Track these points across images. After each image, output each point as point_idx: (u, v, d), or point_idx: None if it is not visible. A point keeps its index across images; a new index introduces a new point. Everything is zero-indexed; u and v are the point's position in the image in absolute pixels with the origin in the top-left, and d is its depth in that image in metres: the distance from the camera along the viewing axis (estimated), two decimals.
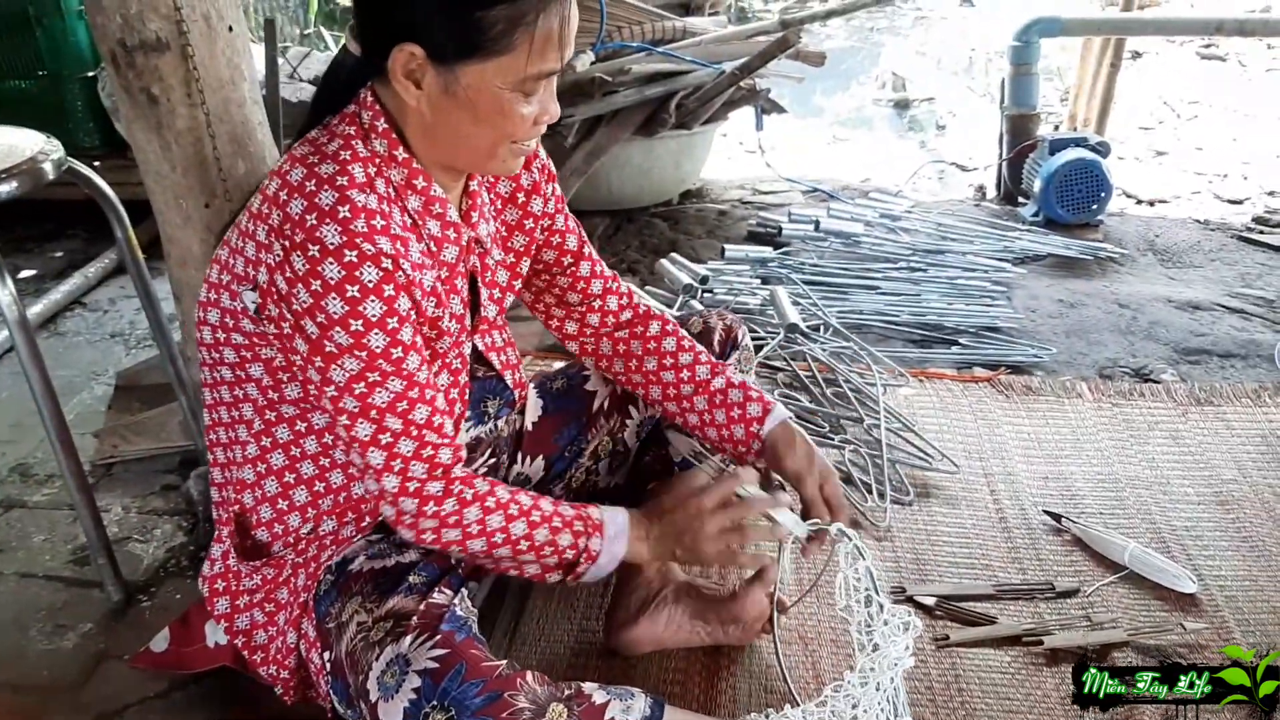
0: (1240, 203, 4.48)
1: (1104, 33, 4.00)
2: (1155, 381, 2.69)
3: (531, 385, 1.78)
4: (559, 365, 1.91)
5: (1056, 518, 2.15)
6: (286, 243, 1.19)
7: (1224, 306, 3.13)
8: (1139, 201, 4.52)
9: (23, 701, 1.77)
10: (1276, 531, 2.12)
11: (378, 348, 1.21)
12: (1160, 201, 4.59)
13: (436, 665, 1.22)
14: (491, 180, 1.48)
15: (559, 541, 1.37)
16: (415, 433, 1.26)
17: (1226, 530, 2.13)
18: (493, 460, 1.65)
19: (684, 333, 1.68)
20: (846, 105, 6.70)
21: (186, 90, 1.87)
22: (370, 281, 1.19)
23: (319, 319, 1.19)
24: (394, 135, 1.27)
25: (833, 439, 2.39)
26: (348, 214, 1.19)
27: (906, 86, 6.58)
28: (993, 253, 3.37)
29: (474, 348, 1.51)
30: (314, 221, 1.18)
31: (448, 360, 1.41)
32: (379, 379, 1.22)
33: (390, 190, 1.26)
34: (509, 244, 1.51)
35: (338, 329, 1.19)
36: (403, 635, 1.26)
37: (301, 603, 1.41)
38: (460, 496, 1.30)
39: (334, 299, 1.18)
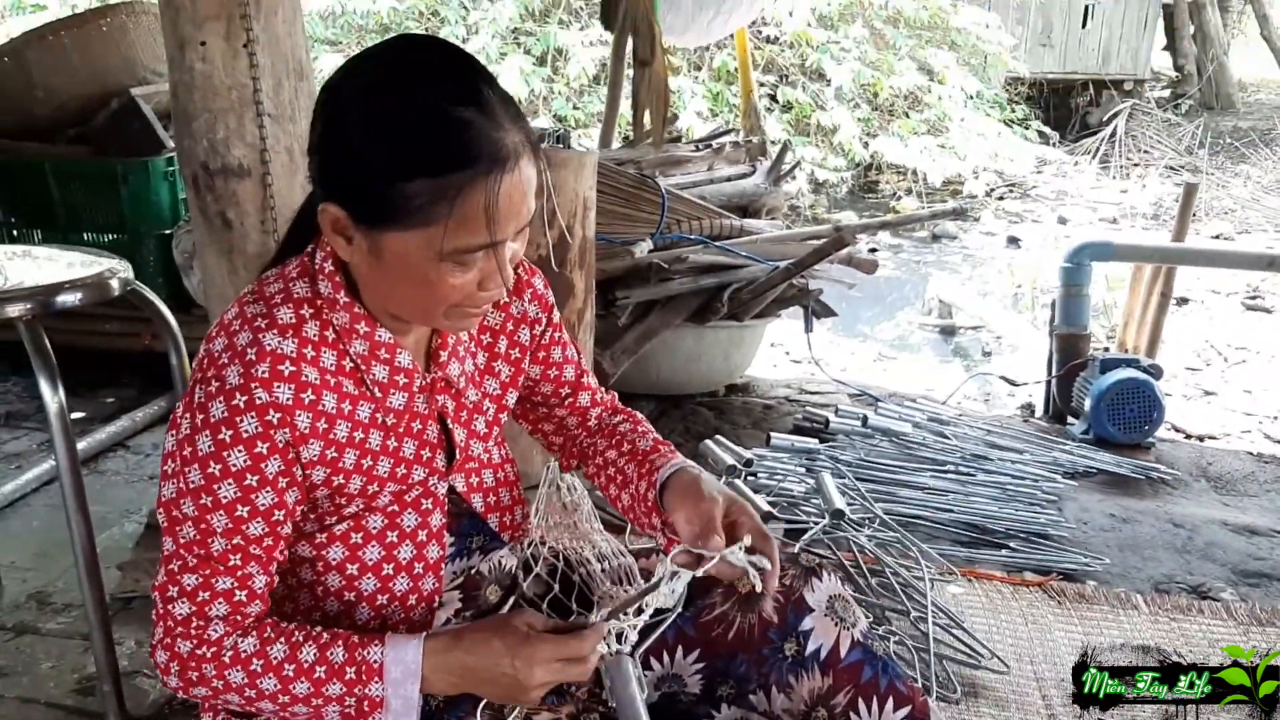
0: None
1: (1154, 261, 4.06)
2: (1214, 599, 2.57)
3: None
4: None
5: None
6: (200, 375, 1.18)
7: None
8: (1188, 436, 4.48)
9: None
10: None
11: (224, 498, 1.16)
12: (1210, 438, 4.55)
13: None
14: None
15: (326, 692, 1.20)
16: (203, 597, 1.19)
17: None
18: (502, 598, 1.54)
19: (640, 415, 1.59)
20: (892, 333, 6.79)
21: (261, 217, 1.93)
22: (246, 431, 1.15)
23: (185, 451, 1.16)
24: (339, 278, 1.23)
25: (877, 629, 2.29)
26: (254, 356, 1.16)
27: (953, 313, 6.66)
28: (1042, 463, 3.32)
29: (452, 488, 1.44)
30: (225, 360, 1.16)
31: (408, 501, 1.34)
32: (207, 529, 1.17)
33: (330, 334, 1.23)
34: (493, 373, 1.45)
35: (194, 467, 1.16)
36: None
37: None
38: (219, 659, 1.20)
39: (205, 436, 1.15)
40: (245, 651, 1.20)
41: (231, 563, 1.19)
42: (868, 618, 2.25)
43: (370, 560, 1.30)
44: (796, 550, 2.57)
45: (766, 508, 2.70)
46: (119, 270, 2.04)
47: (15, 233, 3.89)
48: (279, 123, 1.92)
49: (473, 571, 1.45)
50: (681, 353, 3.62)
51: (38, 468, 3.05)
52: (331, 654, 1.20)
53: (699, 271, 3.49)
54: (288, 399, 1.17)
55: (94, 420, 3.46)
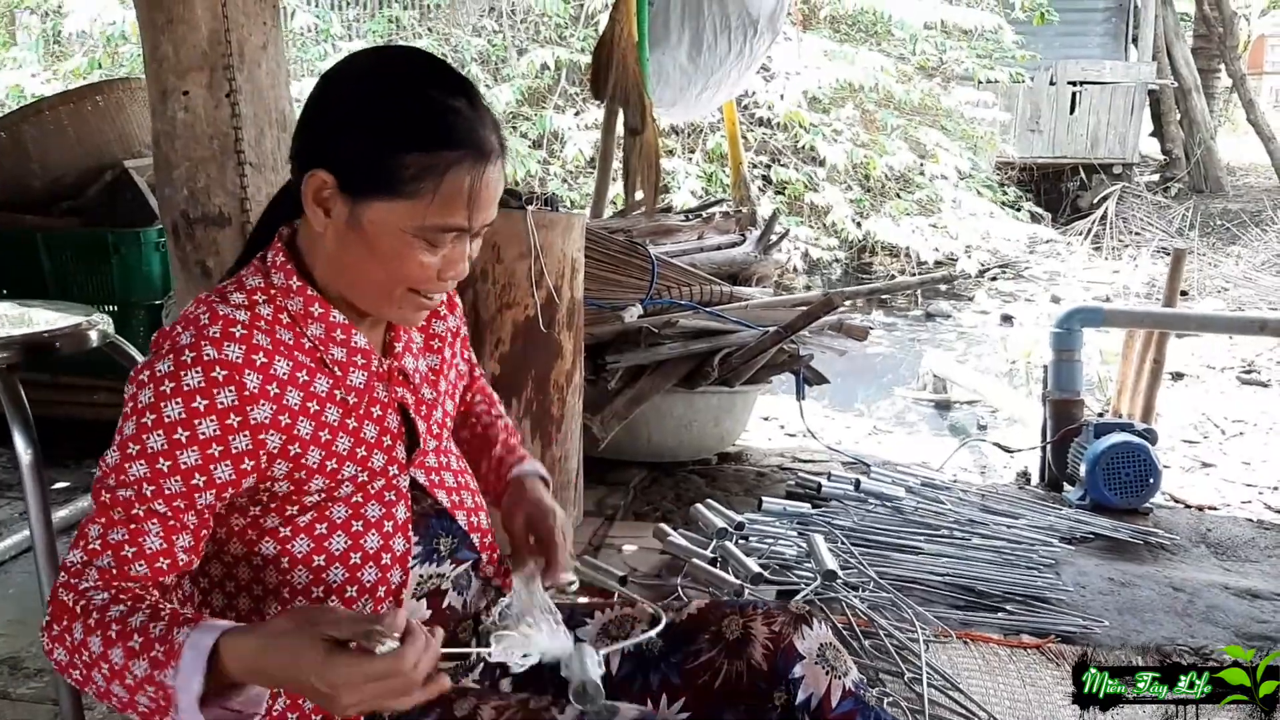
0: None
1: (1144, 326, 4.06)
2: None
3: None
4: None
5: None
6: (153, 348, 1.20)
7: None
8: (1187, 506, 4.43)
9: None
10: None
11: (151, 448, 1.14)
12: (1210, 508, 4.50)
13: None
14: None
15: (133, 668, 1.07)
16: (94, 546, 1.14)
17: None
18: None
19: (495, 397, 1.68)
20: (888, 410, 6.76)
21: None
22: (188, 385, 1.14)
23: (125, 408, 1.16)
24: (291, 267, 1.27)
25: (870, 691, 2.22)
26: (206, 320, 1.19)
27: (948, 388, 6.64)
28: (1038, 528, 3.28)
29: (414, 481, 1.41)
30: (179, 330, 1.19)
31: (372, 492, 1.32)
32: (121, 480, 1.14)
33: (284, 317, 1.25)
34: (446, 376, 1.48)
35: (131, 420, 1.15)
36: None
37: None
38: (78, 611, 1.11)
39: (148, 390, 1.15)
40: (95, 604, 1.11)
41: (134, 511, 1.15)
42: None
43: (336, 550, 1.28)
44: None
45: (757, 569, 2.65)
46: (98, 323, 2.03)
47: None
48: (260, 172, 1.92)
49: (441, 585, 1.41)
50: (672, 419, 3.60)
51: (16, 535, 3.00)
52: (155, 625, 1.08)
53: (689, 336, 3.48)
54: (237, 357, 1.17)
55: (78, 490, 3.42)
